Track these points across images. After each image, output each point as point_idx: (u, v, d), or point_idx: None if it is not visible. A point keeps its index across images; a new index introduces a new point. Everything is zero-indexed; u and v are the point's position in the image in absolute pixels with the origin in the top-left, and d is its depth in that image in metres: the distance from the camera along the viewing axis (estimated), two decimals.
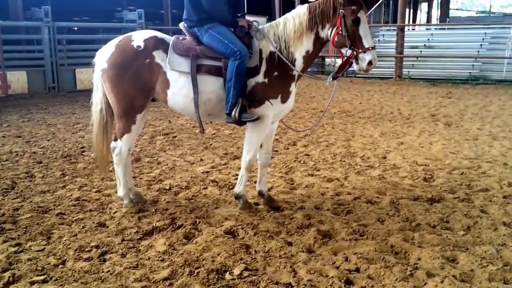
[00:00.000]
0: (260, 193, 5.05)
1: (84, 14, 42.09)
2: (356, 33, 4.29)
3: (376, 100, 12.86)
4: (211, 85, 4.53)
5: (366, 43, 4.30)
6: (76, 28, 22.00)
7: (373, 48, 4.33)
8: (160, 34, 4.72)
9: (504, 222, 4.50)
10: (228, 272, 3.51)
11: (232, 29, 4.58)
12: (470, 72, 17.47)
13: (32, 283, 3.37)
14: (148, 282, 3.39)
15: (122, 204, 4.91)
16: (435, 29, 22.72)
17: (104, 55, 4.64)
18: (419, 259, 3.74)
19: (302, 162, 6.75)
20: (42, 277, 3.42)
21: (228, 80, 4.38)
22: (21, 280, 3.42)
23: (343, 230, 4.27)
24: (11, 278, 3.41)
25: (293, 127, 8.70)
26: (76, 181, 5.90)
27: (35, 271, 3.51)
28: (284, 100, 4.62)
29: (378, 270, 3.53)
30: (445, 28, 21.86)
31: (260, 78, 4.52)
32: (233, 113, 4.39)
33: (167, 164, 6.67)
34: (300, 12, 4.49)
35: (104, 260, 3.73)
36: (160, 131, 8.94)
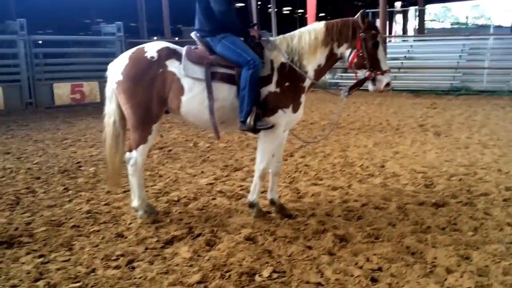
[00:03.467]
0: (272, 202, 5.13)
1: (53, 27, 40.78)
2: (375, 56, 4.54)
3: (363, 112, 13.10)
4: (225, 93, 4.64)
5: (384, 65, 4.56)
6: (41, 42, 20.61)
7: (389, 70, 4.58)
8: (172, 45, 4.83)
9: (508, 223, 4.69)
10: (257, 275, 3.61)
11: (243, 39, 4.73)
12: (451, 83, 17.66)
13: None
14: (183, 286, 3.47)
15: (135, 216, 4.95)
16: (414, 40, 22.98)
17: (118, 67, 4.72)
18: (435, 258, 3.89)
19: (303, 172, 6.87)
20: (78, 284, 3.48)
21: (242, 89, 4.50)
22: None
23: (358, 234, 4.41)
24: (46, 286, 3.43)
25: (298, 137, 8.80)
26: (81, 195, 5.91)
27: (68, 279, 3.56)
28: (295, 110, 4.76)
29: (399, 269, 3.68)
30: (423, 40, 22.15)
31: (272, 87, 4.65)
32: (248, 120, 4.50)
33: (169, 177, 6.72)
34: (317, 27, 4.67)
35: (133, 268, 3.78)
36: (154, 145, 8.96)
